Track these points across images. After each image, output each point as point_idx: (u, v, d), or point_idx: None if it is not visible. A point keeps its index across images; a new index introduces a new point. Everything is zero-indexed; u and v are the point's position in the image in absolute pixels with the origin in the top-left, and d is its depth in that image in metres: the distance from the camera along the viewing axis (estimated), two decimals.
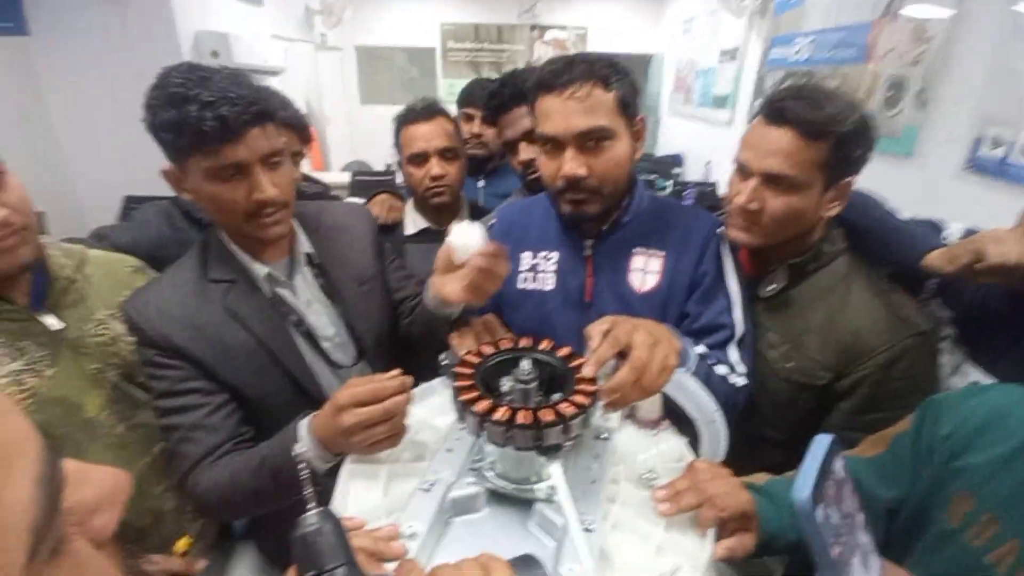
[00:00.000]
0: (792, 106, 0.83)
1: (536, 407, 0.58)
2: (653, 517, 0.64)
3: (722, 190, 3.57)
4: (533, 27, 5.98)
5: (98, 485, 0.27)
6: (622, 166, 0.89)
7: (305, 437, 0.72)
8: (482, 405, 0.58)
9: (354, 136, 6.01)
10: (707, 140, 4.40)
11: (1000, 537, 0.54)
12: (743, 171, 0.91)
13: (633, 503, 0.66)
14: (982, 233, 0.78)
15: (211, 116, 0.70)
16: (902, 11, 2.36)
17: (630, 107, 0.87)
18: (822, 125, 0.82)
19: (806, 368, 0.92)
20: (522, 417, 0.56)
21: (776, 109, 0.85)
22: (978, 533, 0.56)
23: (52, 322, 0.81)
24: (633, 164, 0.92)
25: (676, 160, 4.97)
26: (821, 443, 0.45)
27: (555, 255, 1.00)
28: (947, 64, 2.14)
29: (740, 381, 0.89)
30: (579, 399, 0.59)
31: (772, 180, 0.86)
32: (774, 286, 0.96)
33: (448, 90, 6.00)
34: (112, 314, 0.89)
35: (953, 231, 1.00)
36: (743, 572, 0.93)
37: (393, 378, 0.70)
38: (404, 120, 1.27)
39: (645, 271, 0.95)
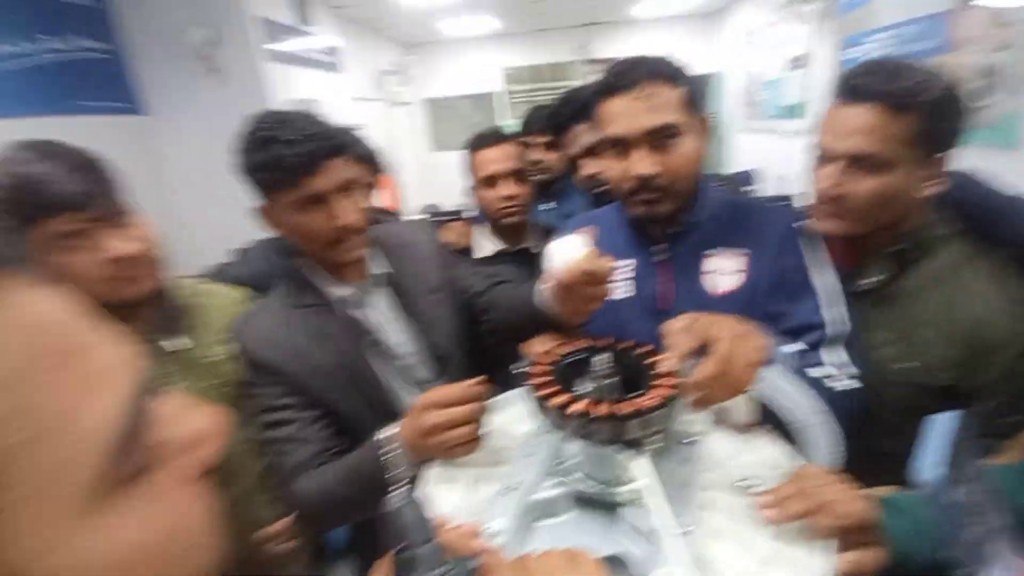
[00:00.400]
0: (870, 80, 0.77)
1: (616, 399, 0.56)
2: (756, 525, 0.59)
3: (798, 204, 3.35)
4: (588, 62, 6.12)
5: (200, 420, 0.28)
6: (692, 163, 0.87)
7: (391, 443, 0.74)
8: (560, 399, 0.56)
9: (426, 181, 6.36)
10: (779, 153, 4.20)
11: None
12: (823, 158, 0.85)
13: (730, 510, 0.61)
14: None
15: (293, 153, 0.78)
16: (974, 2, 2.18)
17: (696, 104, 0.86)
18: (906, 95, 0.75)
19: (926, 366, 0.81)
20: (602, 409, 0.54)
21: (853, 86, 0.79)
22: None
23: (168, 345, 0.91)
24: (702, 161, 0.90)
25: (745, 178, 4.77)
26: (947, 416, 0.39)
27: (626, 264, 0.98)
28: None
29: (843, 384, 0.80)
30: (659, 392, 0.56)
31: (856, 161, 0.80)
32: (874, 279, 0.87)
33: (510, 131, 6.23)
34: (219, 338, 0.98)
35: None
36: None
37: (475, 384, 0.71)
38: (475, 146, 1.34)
39: (721, 272, 0.90)
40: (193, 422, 0.28)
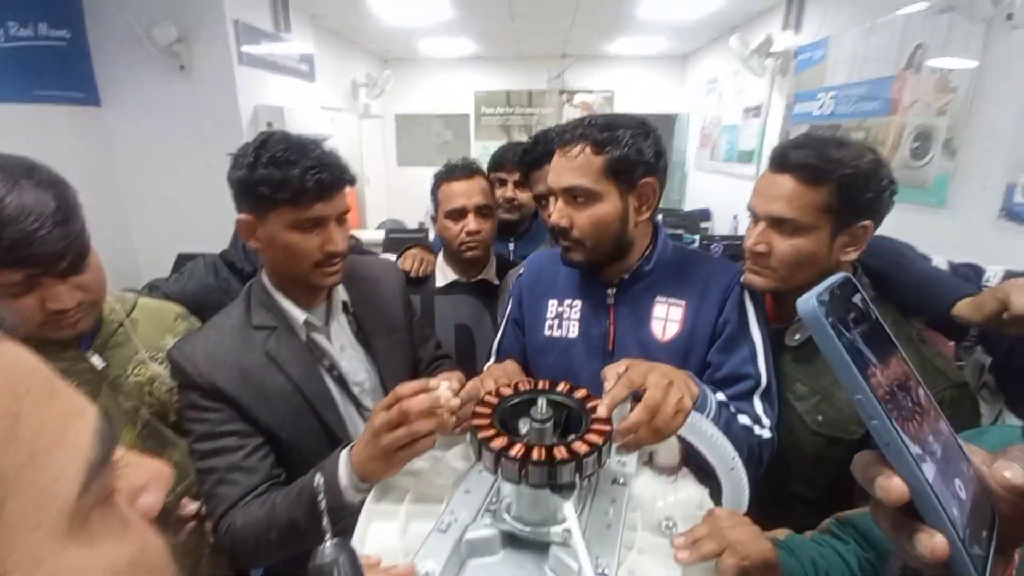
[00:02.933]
0: (794, 154, 0.88)
1: (551, 445, 0.59)
2: (671, 564, 0.63)
3: None
4: (562, 92, 6.31)
5: (144, 469, 0.30)
6: (605, 225, 0.92)
7: (343, 465, 0.76)
8: (498, 442, 0.59)
9: (391, 196, 6.35)
10: (734, 194, 4.44)
11: None
12: (753, 216, 0.94)
13: (651, 550, 0.65)
14: (1008, 282, 0.77)
15: (311, 179, 0.83)
16: (926, 62, 2.40)
17: (626, 172, 0.90)
18: (821, 170, 0.85)
19: (837, 421, 0.89)
20: (536, 453, 0.57)
21: (779, 157, 0.90)
22: None
23: (96, 361, 0.89)
24: (629, 224, 0.94)
25: (704, 215, 5.00)
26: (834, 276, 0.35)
27: (579, 303, 1.03)
28: (974, 112, 2.14)
29: (765, 434, 0.87)
30: (592, 438, 0.60)
31: (777, 224, 0.90)
32: (800, 335, 0.95)
33: (481, 152, 6.34)
34: (152, 356, 0.97)
35: (992, 274, 0.98)
36: None
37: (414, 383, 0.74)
38: (444, 177, 1.36)
39: (667, 320, 0.96)
40: (140, 468, 0.30)
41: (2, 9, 2.43)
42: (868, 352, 0.32)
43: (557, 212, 0.94)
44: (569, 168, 0.91)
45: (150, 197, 3.15)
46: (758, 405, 0.89)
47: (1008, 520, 0.32)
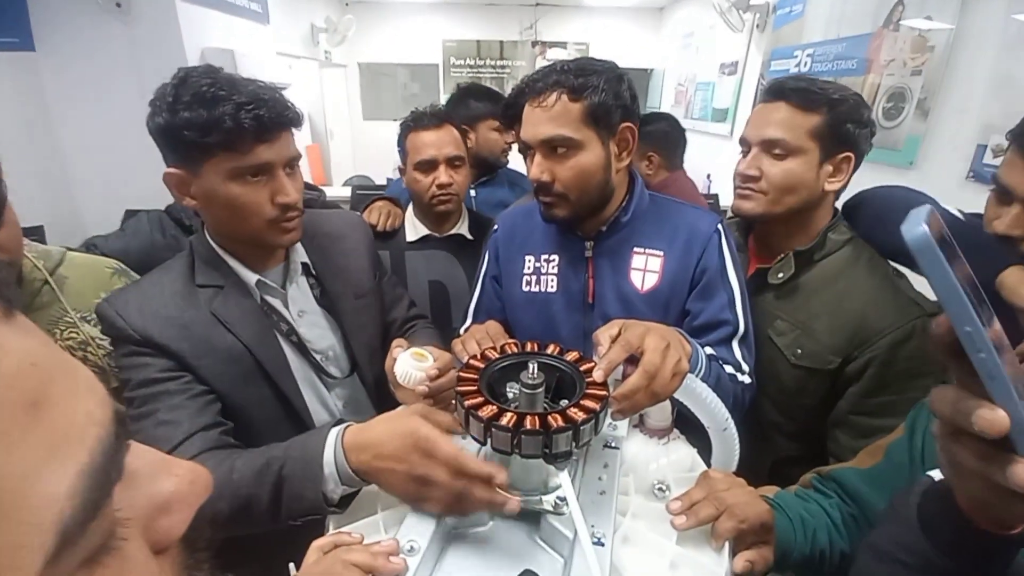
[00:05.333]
0: (788, 83, 0.92)
1: (545, 412, 0.55)
2: (666, 530, 0.61)
3: (724, 202, 3.59)
4: (535, 43, 6.06)
5: (177, 480, 0.23)
6: (588, 175, 0.87)
7: (332, 450, 0.63)
8: (488, 410, 0.55)
9: (356, 151, 6.06)
10: (708, 152, 4.41)
11: None
12: (745, 145, 0.97)
13: (644, 515, 0.64)
14: None
15: (248, 116, 0.70)
16: (903, 22, 2.37)
17: (605, 117, 0.85)
18: (814, 95, 0.89)
19: (815, 353, 0.92)
20: (530, 422, 0.53)
21: (773, 88, 0.94)
22: None
23: None
24: (611, 172, 0.90)
25: None
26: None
27: (556, 258, 0.99)
28: (949, 73, 2.14)
29: (746, 379, 0.88)
30: (589, 404, 0.56)
31: (769, 146, 0.93)
32: (783, 274, 0.96)
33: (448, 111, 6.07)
34: (85, 316, 0.87)
35: None
36: None
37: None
38: (412, 126, 1.25)
39: (645, 270, 0.94)
40: (173, 479, 0.23)
41: None
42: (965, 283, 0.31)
43: (536, 167, 0.88)
44: (546, 118, 0.85)
45: (92, 150, 2.88)
46: (737, 351, 0.89)
47: None
